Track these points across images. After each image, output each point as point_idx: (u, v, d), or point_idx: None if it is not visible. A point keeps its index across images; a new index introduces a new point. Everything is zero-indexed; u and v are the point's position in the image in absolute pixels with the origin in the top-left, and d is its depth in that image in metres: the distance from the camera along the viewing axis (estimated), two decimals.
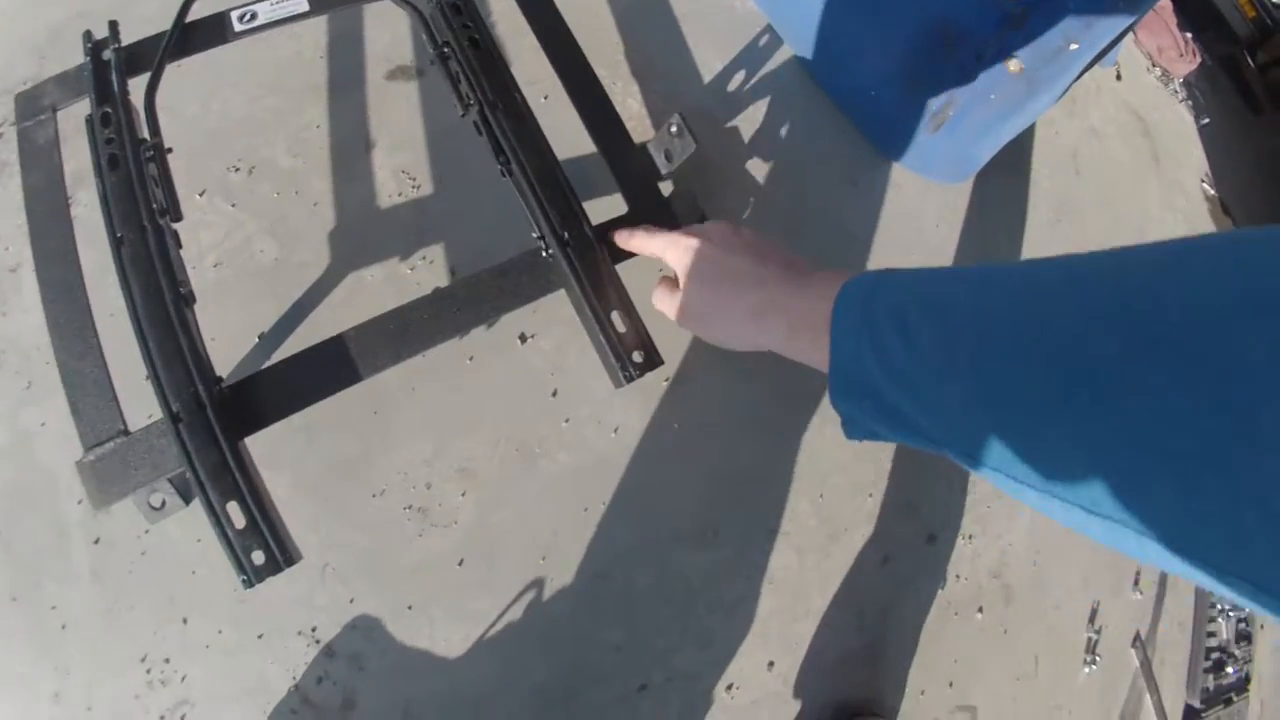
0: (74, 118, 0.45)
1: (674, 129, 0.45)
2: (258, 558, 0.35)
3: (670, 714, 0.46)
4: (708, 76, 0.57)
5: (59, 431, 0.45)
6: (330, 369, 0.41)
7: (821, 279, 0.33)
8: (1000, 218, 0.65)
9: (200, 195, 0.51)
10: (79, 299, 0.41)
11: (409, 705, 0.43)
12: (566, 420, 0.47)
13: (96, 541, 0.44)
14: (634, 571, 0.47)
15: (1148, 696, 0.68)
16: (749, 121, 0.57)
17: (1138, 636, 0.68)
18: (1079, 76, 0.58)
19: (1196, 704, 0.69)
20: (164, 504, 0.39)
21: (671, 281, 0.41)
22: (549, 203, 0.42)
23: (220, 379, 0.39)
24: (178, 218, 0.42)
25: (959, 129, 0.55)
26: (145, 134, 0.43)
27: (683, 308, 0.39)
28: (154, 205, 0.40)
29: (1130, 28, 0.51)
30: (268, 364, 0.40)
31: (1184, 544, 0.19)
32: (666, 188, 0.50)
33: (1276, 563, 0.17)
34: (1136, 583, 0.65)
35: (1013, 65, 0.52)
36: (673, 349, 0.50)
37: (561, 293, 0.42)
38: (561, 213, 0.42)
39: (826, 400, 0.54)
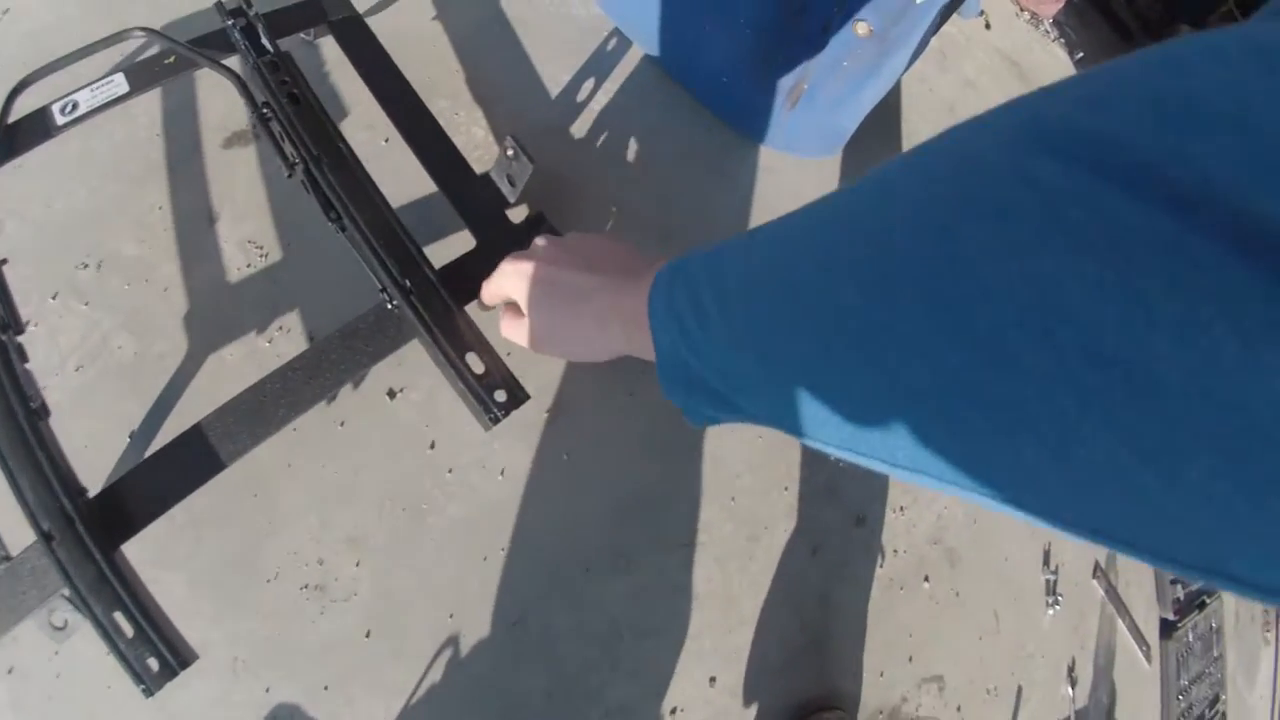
0: None
1: (510, 152, 0.44)
2: (153, 665, 0.34)
3: None
4: (555, 90, 0.56)
5: None
6: (191, 462, 0.39)
7: (647, 273, 0.32)
8: None
9: (53, 298, 0.49)
10: None
11: None
12: (450, 470, 0.45)
13: (10, 671, 0.42)
14: (550, 613, 0.45)
15: (1119, 621, 0.67)
16: (605, 130, 0.56)
17: (1097, 566, 0.68)
18: (935, 30, 0.57)
19: (1170, 616, 0.69)
20: (66, 623, 0.38)
21: (513, 308, 0.40)
22: (386, 253, 0.40)
23: (84, 490, 0.37)
24: (19, 331, 0.41)
25: (817, 101, 0.54)
26: None
27: (530, 334, 0.39)
28: None
29: None
30: (131, 468, 0.39)
31: (971, 484, 0.17)
32: (522, 213, 0.49)
33: (1046, 488, 0.16)
34: None
35: (860, 29, 0.51)
36: (546, 379, 0.49)
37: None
38: (400, 261, 0.40)
39: None
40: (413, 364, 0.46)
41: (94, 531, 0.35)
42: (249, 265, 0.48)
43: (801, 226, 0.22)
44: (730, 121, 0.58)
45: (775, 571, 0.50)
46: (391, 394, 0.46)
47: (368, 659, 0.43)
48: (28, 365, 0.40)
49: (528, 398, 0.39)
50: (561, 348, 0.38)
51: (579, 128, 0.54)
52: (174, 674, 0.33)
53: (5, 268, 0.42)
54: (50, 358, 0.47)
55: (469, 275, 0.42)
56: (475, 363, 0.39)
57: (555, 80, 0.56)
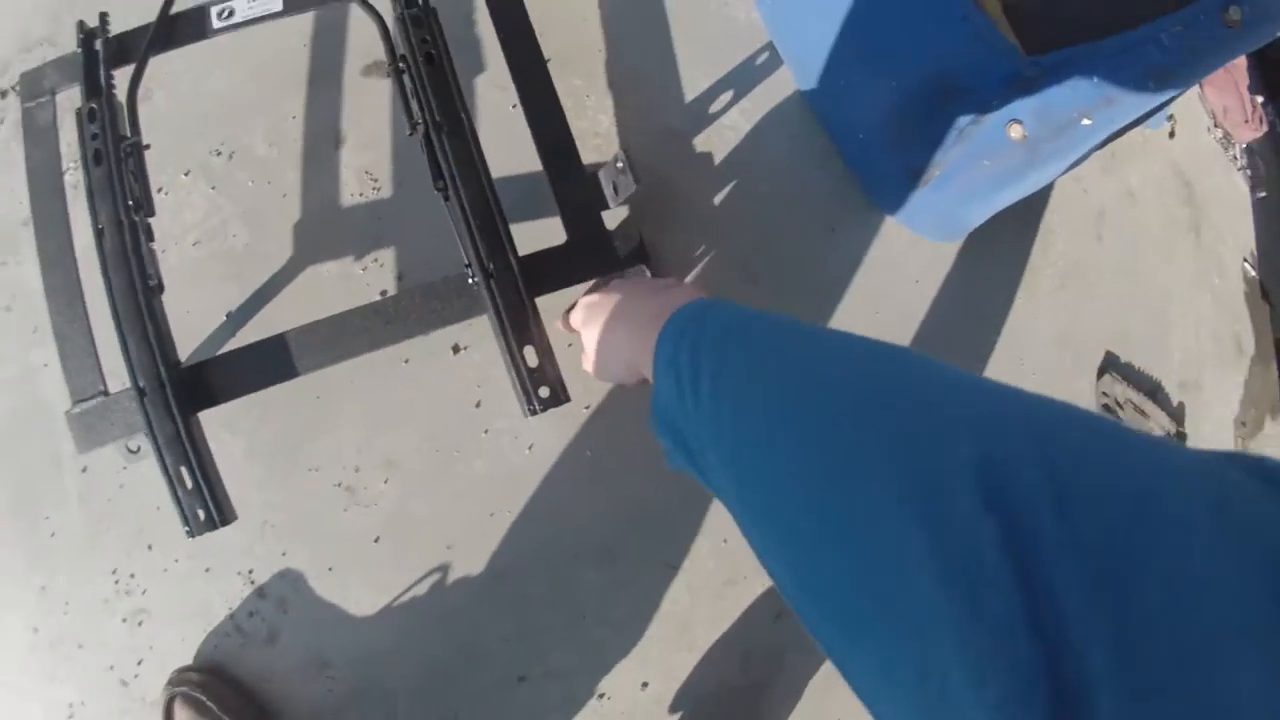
0: (73, 98, 0.47)
1: (619, 164, 0.44)
2: (200, 514, 0.40)
3: (547, 707, 0.50)
4: (691, 94, 0.55)
5: (59, 372, 0.52)
6: (272, 363, 0.44)
7: (674, 307, 0.32)
8: (996, 278, 0.60)
9: (186, 175, 0.54)
10: (71, 271, 0.45)
11: (321, 648, 0.49)
12: (486, 431, 0.50)
13: (84, 470, 0.51)
14: (531, 576, 0.50)
15: None
16: (728, 148, 0.55)
17: None
18: (1103, 145, 0.51)
19: None
20: (140, 449, 0.45)
21: None
22: (478, 233, 0.42)
23: (179, 361, 0.43)
24: (150, 214, 0.44)
25: (947, 189, 0.51)
26: (128, 129, 0.44)
27: (586, 358, 0.41)
28: (130, 201, 0.43)
29: (1156, 110, 0.45)
30: (223, 350, 0.44)
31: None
32: (621, 214, 0.50)
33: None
34: None
35: (1014, 132, 0.46)
36: (599, 383, 0.51)
37: None
38: (490, 244, 0.43)
39: None
40: (481, 328, 0.49)
41: (179, 396, 0.41)
42: (361, 194, 0.51)
43: (841, 374, 0.22)
44: (858, 177, 0.55)
45: (738, 618, 0.53)
46: (456, 349, 0.50)
47: (371, 558, 0.50)
48: (153, 244, 0.44)
49: (568, 400, 0.42)
50: (603, 367, 0.40)
51: (704, 140, 0.54)
52: (215, 527, 0.40)
53: (147, 139, 0.44)
54: (174, 227, 0.53)
55: (550, 269, 0.44)
56: (531, 356, 0.42)
57: (694, 84, 0.54)
